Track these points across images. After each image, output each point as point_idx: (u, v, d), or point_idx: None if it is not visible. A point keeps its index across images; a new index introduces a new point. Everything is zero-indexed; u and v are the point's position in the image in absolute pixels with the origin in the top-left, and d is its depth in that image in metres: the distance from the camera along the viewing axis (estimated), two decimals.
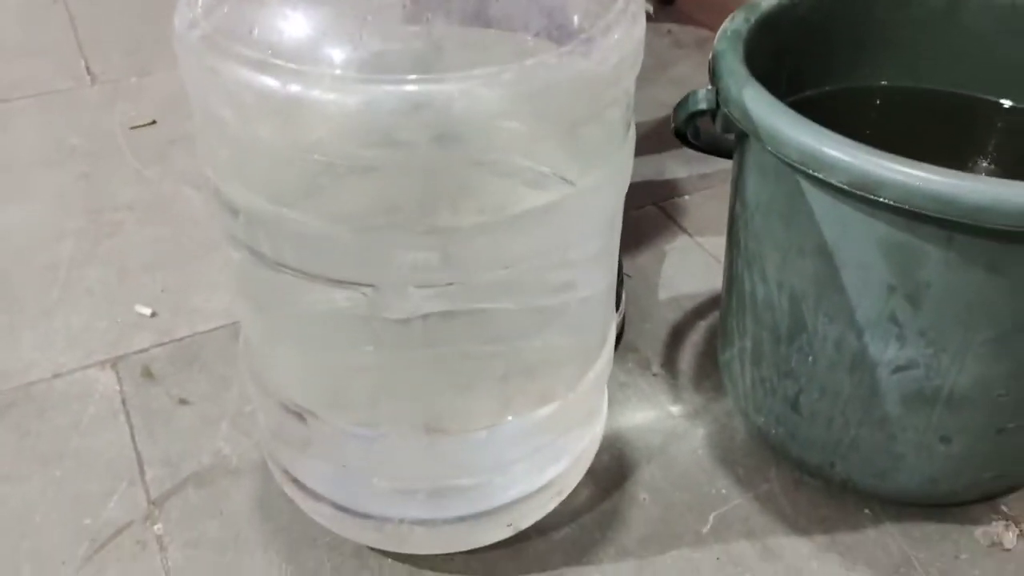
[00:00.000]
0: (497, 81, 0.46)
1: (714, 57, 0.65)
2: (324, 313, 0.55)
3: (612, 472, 0.76)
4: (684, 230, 1.04)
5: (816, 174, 0.56)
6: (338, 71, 0.45)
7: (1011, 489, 0.74)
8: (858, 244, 0.58)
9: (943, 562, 0.69)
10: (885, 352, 0.61)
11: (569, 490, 0.71)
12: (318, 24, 0.48)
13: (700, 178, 1.12)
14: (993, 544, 0.70)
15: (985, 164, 0.77)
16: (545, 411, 0.62)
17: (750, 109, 0.59)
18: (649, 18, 1.67)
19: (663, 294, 0.95)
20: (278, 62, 0.46)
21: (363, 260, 0.50)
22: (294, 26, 0.47)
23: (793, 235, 0.62)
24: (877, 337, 0.61)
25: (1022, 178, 0.74)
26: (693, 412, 0.81)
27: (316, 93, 0.45)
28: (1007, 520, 0.72)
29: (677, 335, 0.90)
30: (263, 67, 0.46)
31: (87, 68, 1.37)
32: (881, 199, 0.53)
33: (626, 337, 0.89)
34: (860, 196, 0.54)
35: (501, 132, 0.47)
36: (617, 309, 0.87)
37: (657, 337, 0.89)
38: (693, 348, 0.88)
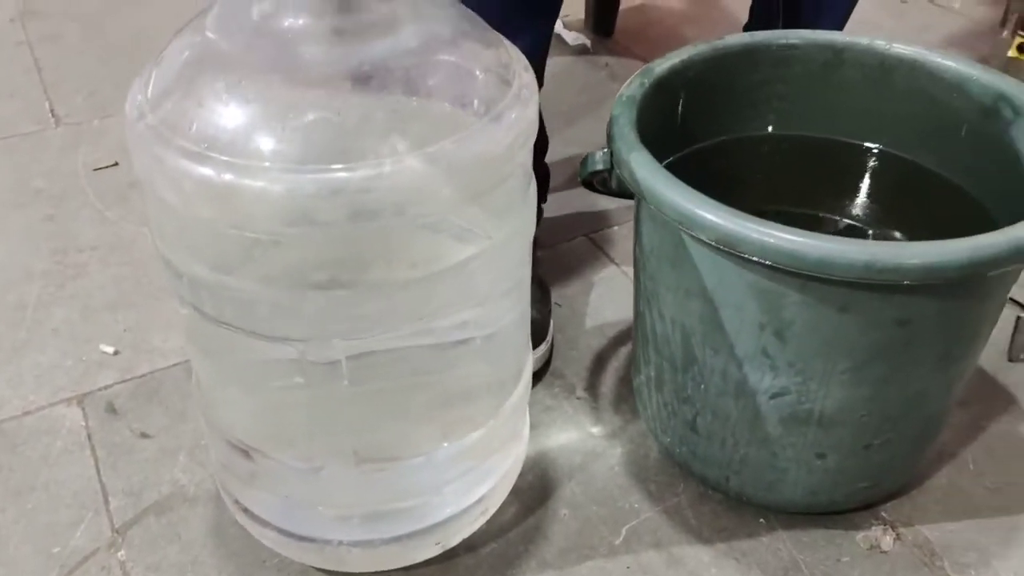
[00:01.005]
0: (404, 167, 0.54)
1: (610, 121, 0.73)
2: (261, 361, 0.63)
3: (536, 490, 0.84)
4: (612, 260, 1.13)
5: (690, 232, 0.64)
6: (265, 162, 0.53)
7: (890, 496, 0.82)
8: (732, 288, 0.66)
9: (827, 565, 0.78)
10: (762, 381, 0.70)
11: (494, 509, 0.78)
12: (249, 120, 0.55)
13: (628, 209, 1.20)
14: (872, 547, 0.79)
15: (858, 200, 0.86)
16: (470, 438, 0.70)
17: (636, 172, 0.67)
18: (587, 51, 1.75)
19: (589, 322, 1.03)
20: (214, 154, 0.53)
21: (293, 318, 0.58)
22: (228, 122, 0.55)
23: (680, 279, 0.70)
24: (754, 368, 0.69)
25: (890, 216, 0.84)
26: (612, 433, 0.89)
27: (246, 181, 0.53)
28: (885, 525, 0.81)
29: (600, 361, 0.98)
30: (201, 159, 0.54)
31: (51, 111, 1.44)
32: (744, 254, 0.62)
33: (553, 364, 0.97)
34: (728, 250, 0.63)
35: (408, 209, 0.55)
36: (545, 339, 0.95)
37: (582, 363, 0.97)
38: (614, 373, 0.96)
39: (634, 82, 0.77)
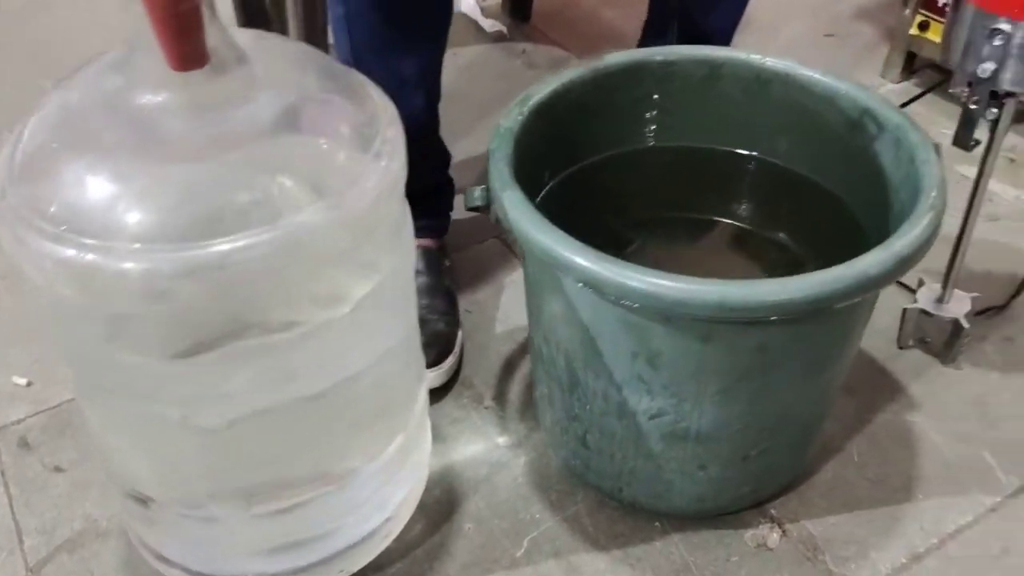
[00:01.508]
0: (261, 241, 0.55)
1: (488, 156, 0.75)
2: (145, 419, 0.64)
3: (442, 505, 0.87)
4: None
5: (557, 272, 0.66)
6: (124, 242, 0.54)
7: (778, 494, 0.86)
8: (604, 321, 0.69)
9: (716, 565, 0.82)
10: (640, 403, 0.73)
11: (398, 531, 0.81)
12: (107, 199, 0.56)
13: None
14: (759, 545, 0.83)
15: (738, 204, 0.90)
16: (364, 471, 0.73)
17: (508, 212, 0.69)
18: (503, 37, 1.75)
19: (499, 327, 1.05)
20: (73, 236, 0.54)
21: (167, 386, 0.60)
22: (87, 201, 0.56)
23: (559, 308, 0.72)
24: (632, 391, 0.72)
25: (768, 218, 0.87)
26: (517, 442, 0.92)
27: (105, 262, 0.54)
28: (772, 523, 0.85)
29: (509, 368, 1.00)
30: (61, 240, 0.55)
31: None
32: (607, 296, 0.64)
33: (463, 373, 0.99)
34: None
35: (266, 282, 0.57)
36: (451, 351, 0.97)
37: (491, 371, 1.00)
38: (523, 380, 0.99)
39: (512, 112, 0.78)
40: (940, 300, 0.97)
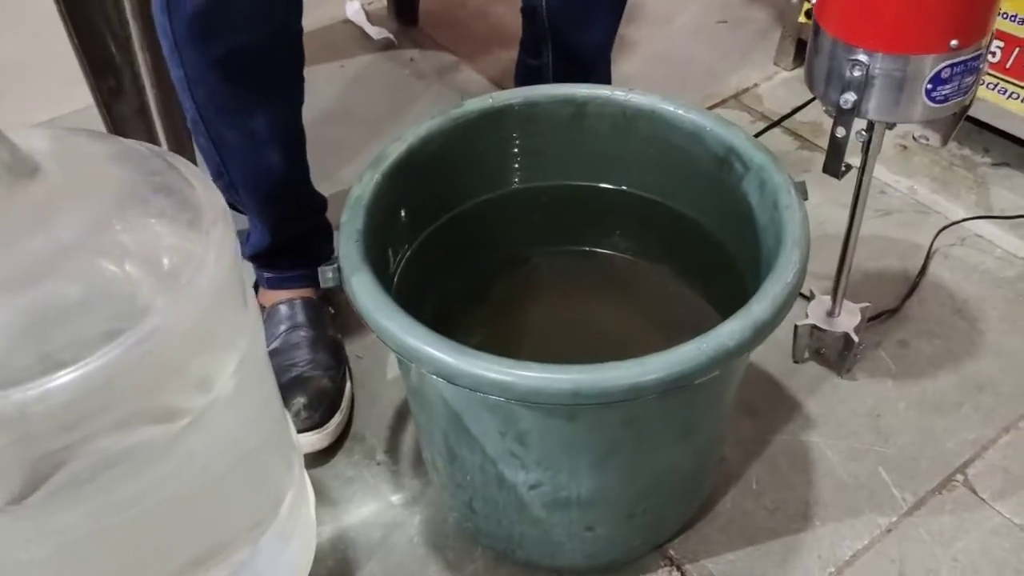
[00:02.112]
0: (65, 384, 0.51)
1: (339, 230, 0.71)
2: None
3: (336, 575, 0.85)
4: None
5: (407, 362, 0.63)
6: None
7: (678, 533, 0.85)
8: (468, 403, 0.66)
9: None
10: (517, 476, 0.71)
11: None
12: None
13: None
14: None
15: (608, 238, 0.88)
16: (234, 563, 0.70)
17: (357, 298, 0.66)
18: (392, 45, 1.70)
19: (391, 372, 1.02)
20: None
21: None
22: None
23: (425, 387, 0.70)
24: (506, 465, 0.70)
25: (641, 248, 0.85)
26: (412, 499, 0.90)
27: None
28: (671, 565, 0.84)
29: (401, 417, 0.98)
30: None
31: None
32: (459, 386, 0.62)
33: (355, 426, 0.96)
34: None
35: (83, 420, 0.53)
36: (339, 408, 0.94)
37: (383, 422, 0.97)
38: (416, 430, 0.96)
39: (364, 177, 0.74)
40: (831, 314, 0.96)
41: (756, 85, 1.39)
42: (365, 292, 0.66)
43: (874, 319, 1.02)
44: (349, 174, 1.26)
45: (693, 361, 0.59)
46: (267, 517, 0.72)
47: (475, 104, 0.81)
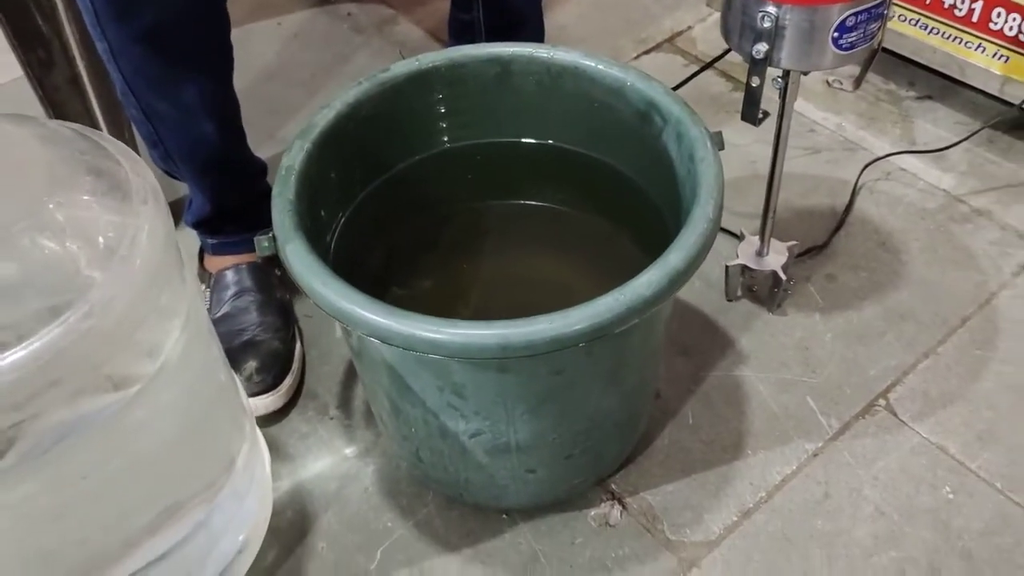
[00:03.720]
0: (17, 361, 0.54)
1: (271, 201, 0.73)
2: None
3: (295, 527, 0.88)
4: None
5: (345, 325, 0.66)
6: None
7: (619, 468, 0.90)
8: (405, 360, 0.70)
9: (562, 550, 0.86)
10: (458, 426, 0.74)
11: (250, 562, 0.83)
12: None
13: None
14: (602, 524, 0.87)
15: (538, 192, 0.90)
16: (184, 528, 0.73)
17: (291, 265, 0.68)
18: (328, 0, 1.69)
19: (339, 330, 1.05)
20: None
21: None
22: None
23: (364, 346, 0.73)
24: (447, 417, 0.74)
25: (572, 198, 0.88)
26: (365, 450, 0.94)
27: None
28: (613, 499, 0.89)
29: (352, 373, 1.01)
30: None
31: None
32: (393, 345, 0.65)
33: (307, 384, 1.00)
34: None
35: (32, 393, 0.56)
36: (290, 370, 0.97)
37: (335, 377, 1.00)
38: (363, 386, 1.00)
39: (294, 147, 0.76)
40: (759, 253, 1.00)
41: (690, 28, 1.42)
42: (299, 260, 0.68)
43: (803, 255, 1.07)
44: (290, 134, 1.27)
45: (612, 311, 0.63)
46: (221, 476, 0.76)
47: (401, 68, 0.83)
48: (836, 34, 0.75)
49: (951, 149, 1.16)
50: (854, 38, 0.76)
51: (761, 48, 0.77)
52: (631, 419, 0.84)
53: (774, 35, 0.76)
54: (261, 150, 1.21)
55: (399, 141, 0.85)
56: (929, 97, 1.26)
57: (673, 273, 0.65)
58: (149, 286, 0.61)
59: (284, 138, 1.26)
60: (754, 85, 0.80)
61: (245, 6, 1.51)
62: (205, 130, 0.89)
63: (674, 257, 0.66)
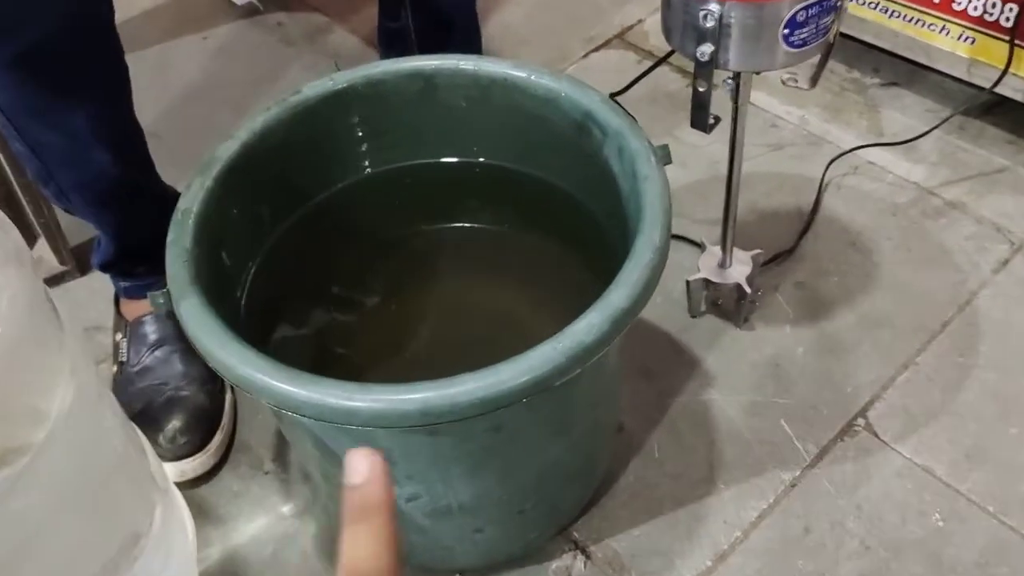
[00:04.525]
0: None
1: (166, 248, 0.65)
2: None
3: None
4: None
5: (249, 394, 0.58)
6: None
7: (581, 514, 0.82)
8: (322, 426, 0.61)
9: None
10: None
11: None
12: None
13: None
14: None
15: (472, 214, 0.83)
16: None
17: (187, 325, 0.60)
18: (256, 10, 1.59)
19: None
20: None
21: None
22: None
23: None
24: None
25: (507, 219, 0.81)
26: (303, 507, 0.86)
27: None
28: (576, 549, 0.81)
29: None
30: None
31: None
32: (302, 416, 0.57)
33: (240, 436, 0.91)
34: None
35: None
36: (219, 426, 0.88)
37: (269, 428, 0.92)
38: None
39: (192, 187, 0.68)
40: (722, 265, 0.93)
41: (641, 21, 1.34)
42: (194, 319, 0.60)
43: (769, 262, 0.99)
44: None
45: (550, 363, 0.55)
46: (122, 556, 0.67)
47: (313, 89, 0.75)
48: (786, 31, 0.68)
49: (921, 139, 1.09)
50: (806, 34, 0.69)
51: (706, 50, 0.69)
52: (587, 463, 0.77)
53: (719, 34, 0.68)
54: (186, 177, 1.13)
55: (316, 170, 0.77)
56: (895, 84, 1.19)
57: (617, 314, 0.57)
58: (13, 356, 0.53)
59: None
60: (701, 89, 0.72)
61: (166, 21, 1.42)
62: (101, 161, 0.80)
63: (617, 296, 0.58)
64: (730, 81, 0.76)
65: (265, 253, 0.74)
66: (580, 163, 0.74)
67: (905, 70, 1.19)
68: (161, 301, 0.64)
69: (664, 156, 0.68)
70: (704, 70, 0.71)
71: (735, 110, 0.79)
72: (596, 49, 1.30)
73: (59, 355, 0.59)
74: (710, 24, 0.68)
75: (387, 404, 0.54)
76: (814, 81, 0.78)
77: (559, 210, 0.78)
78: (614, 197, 0.70)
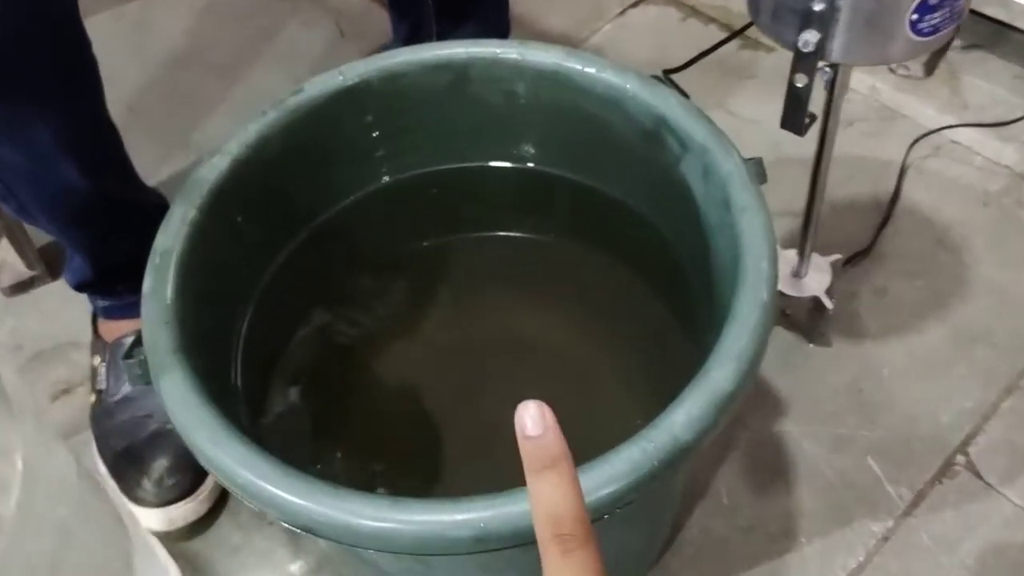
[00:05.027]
0: None
1: (140, 306, 0.52)
2: None
3: None
4: None
5: (252, 506, 0.46)
6: None
7: None
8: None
9: None
10: None
11: None
12: None
13: None
14: None
15: (518, 230, 0.69)
16: None
17: (169, 409, 0.47)
18: None
19: None
20: None
21: None
22: None
23: None
24: None
25: (562, 233, 0.68)
26: (316, 566, 0.74)
27: None
28: None
29: None
30: None
31: None
32: (316, 535, 0.44)
33: None
34: None
35: None
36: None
37: None
38: None
39: (172, 220, 0.54)
40: (796, 274, 0.80)
41: None
42: (179, 403, 0.47)
43: (846, 263, 0.86)
44: (207, 135, 1.04)
45: (638, 471, 0.43)
46: None
47: (318, 87, 0.60)
48: (915, 16, 0.54)
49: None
50: (938, 19, 0.54)
51: (810, 38, 0.55)
52: (658, 539, 0.65)
53: (828, 20, 0.54)
54: (171, 163, 0.99)
55: (322, 182, 0.64)
56: (977, 46, 1.04)
57: (721, 400, 0.45)
58: None
59: (200, 143, 1.03)
60: (800, 85, 0.59)
61: None
62: (67, 176, 0.67)
63: (720, 376, 0.45)
64: (827, 70, 0.62)
65: (261, 292, 0.61)
66: (648, 175, 0.60)
67: (988, 30, 1.03)
68: (139, 372, 0.51)
69: (759, 174, 0.54)
70: (806, 62, 0.57)
71: (828, 106, 0.65)
72: (634, 5, 1.14)
73: (5, 422, 0.47)
74: (819, 7, 0.54)
75: (431, 529, 0.42)
76: (930, 68, 0.64)
77: (618, 226, 0.65)
78: (692, 222, 0.57)
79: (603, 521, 0.44)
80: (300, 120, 0.60)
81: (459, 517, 0.42)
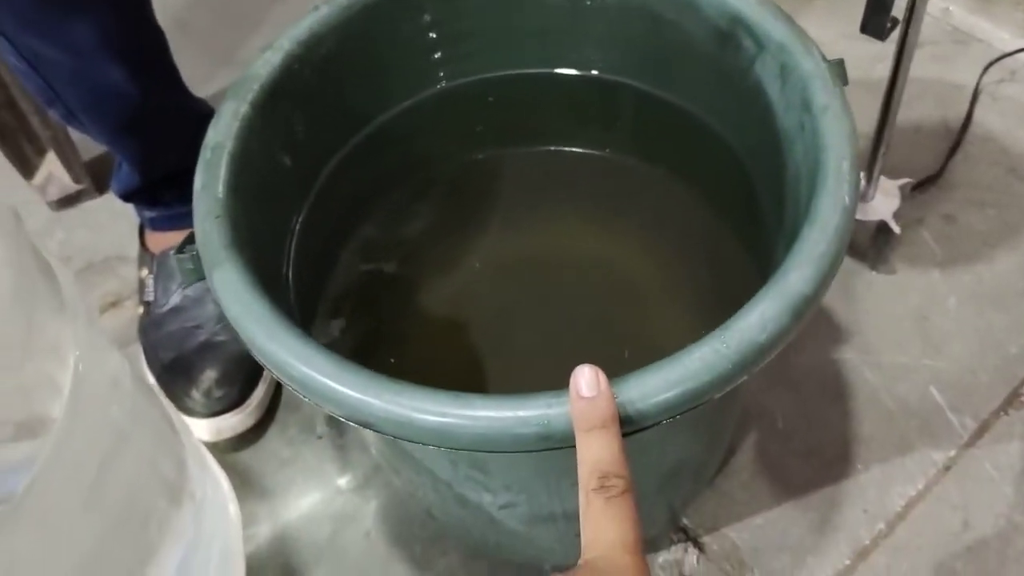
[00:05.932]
0: None
1: (193, 202, 0.50)
2: None
3: None
4: None
5: (310, 401, 0.45)
6: None
7: (684, 504, 0.70)
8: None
9: None
10: (481, 497, 0.54)
11: None
12: None
13: None
14: (675, 573, 0.68)
15: (580, 141, 0.67)
16: None
17: (223, 303, 0.46)
18: None
19: None
20: None
21: None
22: None
23: None
24: (468, 489, 0.53)
25: (627, 144, 0.66)
26: (364, 480, 0.74)
27: None
28: (687, 540, 0.68)
29: None
30: None
31: None
32: (377, 431, 0.43)
33: (286, 394, 0.79)
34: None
35: None
36: (261, 376, 0.76)
37: None
38: None
39: (223, 114, 0.52)
40: (863, 197, 0.77)
41: None
42: (233, 298, 0.46)
43: (913, 189, 0.83)
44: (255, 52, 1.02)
45: (712, 372, 0.41)
46: (160, 527, 0.56)
47: None
48: None
49: None
50: None
51: None
52: (717, 456, 0.64)
53: None
54: (218, 79, 0.97)
55: (376, 85, 0.62)
56: None
57: (797, 302, 0.42)
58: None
59: (248, 60, 1.01)
60: None
61: None
62: (114, 79, 0.65)
63: (797, 278, 0.43)
64: None
65: (314, 198, 0.59)
66: (719, 83, 0.57)
67: None
68: (191, 267, 0.50)
69: (841, 75, 0.51)
70: None
71: (911, 8, 0.62)
72: None
73: (60, 319, 0.46)
74: None
75: (496, 425, 0.41)
76: None
77: (683, 138, 0.63)
78: (766, 130, 0.54)
79: (670, 425, 0.42)
80: (354, 17, 0.58)
81: (523, 413, 0.40)
